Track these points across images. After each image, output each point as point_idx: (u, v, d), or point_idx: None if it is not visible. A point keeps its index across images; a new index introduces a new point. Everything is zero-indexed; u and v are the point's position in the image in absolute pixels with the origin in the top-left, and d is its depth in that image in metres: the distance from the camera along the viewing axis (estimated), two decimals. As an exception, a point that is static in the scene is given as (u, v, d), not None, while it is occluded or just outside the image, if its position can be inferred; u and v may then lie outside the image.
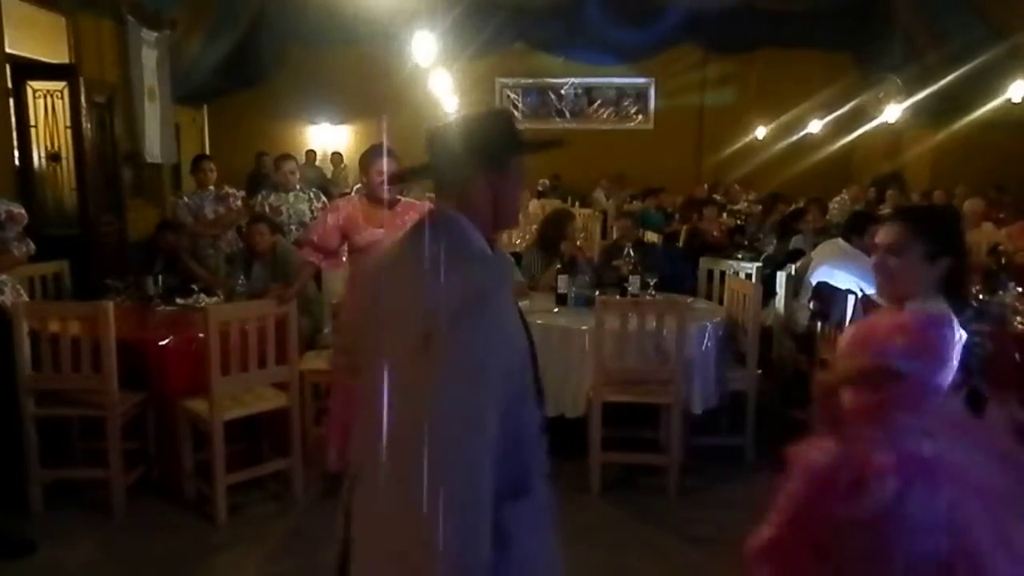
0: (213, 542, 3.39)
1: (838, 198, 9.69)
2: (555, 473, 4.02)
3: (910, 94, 10.80)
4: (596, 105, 13.93)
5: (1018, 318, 3.99)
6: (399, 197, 3.65)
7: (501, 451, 1.32)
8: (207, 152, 10.37)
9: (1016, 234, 6.74)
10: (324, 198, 5.86)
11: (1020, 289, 4.40)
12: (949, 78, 9.63)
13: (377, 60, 11.04)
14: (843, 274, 4.42)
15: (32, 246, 4.18)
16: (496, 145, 1.48)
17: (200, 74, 10.15)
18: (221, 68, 10.69)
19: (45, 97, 6.44)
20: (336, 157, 12.44)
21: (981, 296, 4.16)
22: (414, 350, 1.30)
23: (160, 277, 4.44)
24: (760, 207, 8.96)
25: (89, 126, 6.57)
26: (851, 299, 4.07)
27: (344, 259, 3.78)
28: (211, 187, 5.63)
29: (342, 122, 13.21)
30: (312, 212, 5.57)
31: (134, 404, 3.64)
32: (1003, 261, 4.86)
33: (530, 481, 1.48)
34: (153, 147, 8.24)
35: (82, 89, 6.45)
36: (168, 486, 3.71)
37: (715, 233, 6.92)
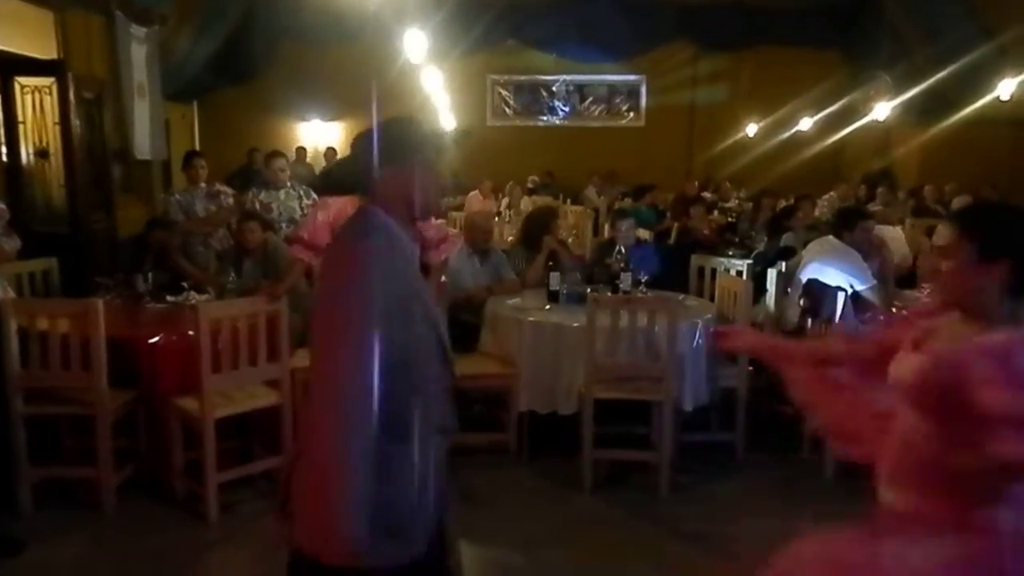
0: (204, 540, 3.38)
1: (827, 196, 9.74)
2: (547, 471, 4.03)
3: (899, 92, 10.86)
4: (588, 102, 13.93)
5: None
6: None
7: (387, 394, 1.59)
8: (197, 149, 10.31)
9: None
10: (315, 195, 5.84)
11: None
12: (938, 76, 9.69)
13: (368, 56, 11.02)
14: (833, 271, 4.44)
15: (18, 241, 4.15)
16: (396, 144, 1.75)
17: (190, 70, 10.10)
18: (211, 64, 10.63)
19: (33, 93, 6.40)
20: (330, 153, 12.40)
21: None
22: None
23: (150, 274, 4.42)
24: (751, 204, 8.98)
25: (78, 122, 6.53)
26: (841, 296, 4.09)
27: None
28: (202, 184, 5.61)
29: (333, 119, 13.16)
30: (303, 209, 5.55)
31: (124, 402, 3.62)
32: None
33: (413, 430, 1.66)
34: (142, 144, 8.20)
35: (71, 85, 6.41)
36: (159, 485, 3.70)
37: (705, 231, 6.94)
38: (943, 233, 1.78)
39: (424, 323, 1.70)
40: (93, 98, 6.99)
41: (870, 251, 4.69)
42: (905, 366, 1.71)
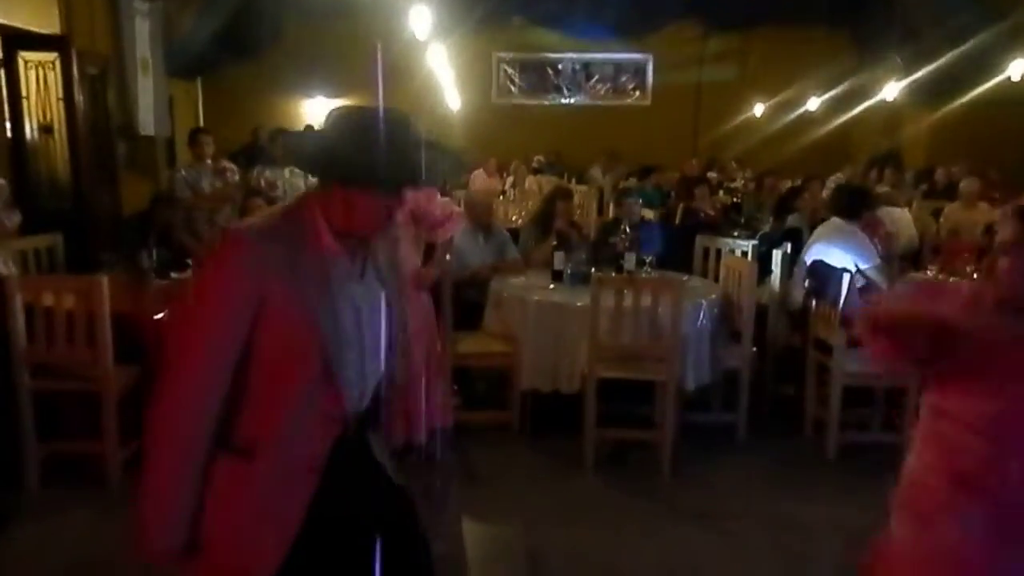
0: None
1: (834, 177, 9.68)
2: (549, 449, 4.05)
3: (908, 73, 10.75)
4: (594, 81, 13.83)
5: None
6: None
7: (230, 401, 1.49)
8: (202, 125, 10.28)
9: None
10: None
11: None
12: (947, 57, 9.59)
13: (373, 34, 10.94)
14: (838, 252, 4.43)
15: (19, 216, 4.15)
16: (348, 170, 1.48)
17: (194, 46, 10.04)
18: (216, 40, 10.56)
19: (37, 68, 6.37)
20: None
21: (976, 275, 4.18)
22: None
23: (154, 251, 4.43)
24: (755, 185, 8.94)
25: (82, 98, 6.51)
26: (846, 277, 4.08)
27: None
28: (208, 160, 5.61)
29: (338, 96, 13.09)
30: (307, 187, 5.55)
31: (129, 378, 3.64)
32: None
33: (262, 448, 1.50)
34: (147, 120, 8.17)
35: (74, 60, 6.38)
36: (164, 459, 3.72)
37: (709, 212, 6.91)
38: (1006, 228, 1.68)
39: (304, 341, 1.48)
40: (97, 74, 6.96)
41: (875, 232, 4.67)
42: None
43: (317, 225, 1.50)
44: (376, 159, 1.45)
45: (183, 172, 5.64)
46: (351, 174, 1.48)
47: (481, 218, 4.87)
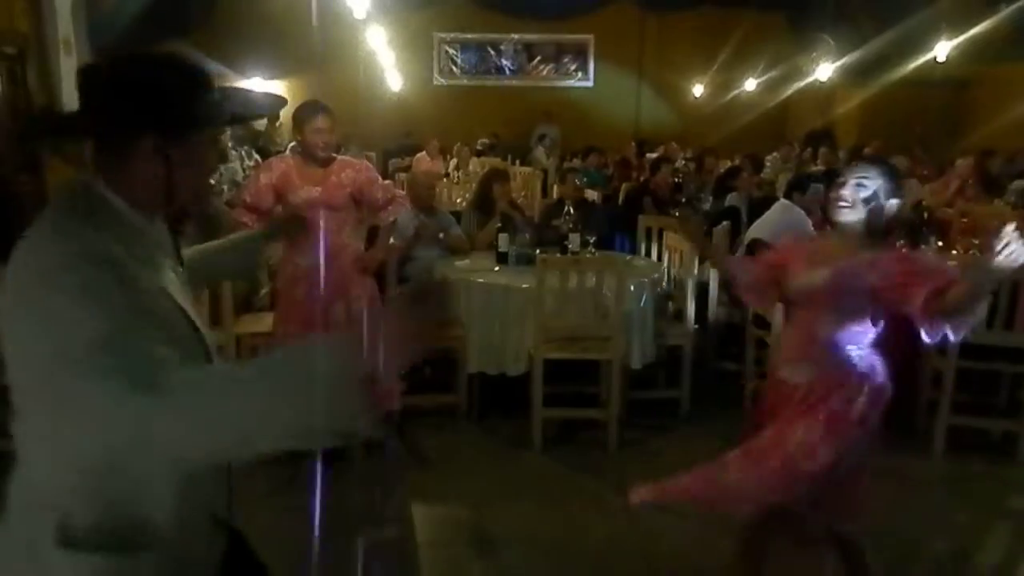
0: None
1: (770, 156, 9.89)
2: (498, 430, 4.05)
3: (841, 54, 11.05)
4: (536, 62, 13.82)
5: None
6: (334, 155, 3.58)
7: (100, 468, 1.07)
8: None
9: (938, 190, 7.03)
10: (257, 156, 5.70)
11: (940, 243, 4.63)
12: (879, 38, 9.89)
13: (312, 12, 10.69)
14: (777, 229, 4.53)
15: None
16: (177, 108, 1.14)
17: (120, 24, 9.65)
18: (145, 18, 10.17)
19: (-51, 48, 6.03)
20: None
21: (904, 249, 4.33)
22: None
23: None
24: (695, 165, 9.07)
25: None
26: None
27: None
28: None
29: (275, 77, 12.78)
30: (245, 171, 5.42)
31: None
32: (926, 216, 5.05)
33: (150, 531, 1.13)
34: (71, 103, 7.83)
35: (-9, 40, 6.06)
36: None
37: (663, 187, 6.96)
38: None
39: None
40: (15, 53, 6.63)
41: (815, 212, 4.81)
42: (810, 277, 2.23)
43: (122, 213, 1.16)
44: (204, 95, 1.17)
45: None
46: (185, 117, 1.16)
47: (423, 200, 4.82)
